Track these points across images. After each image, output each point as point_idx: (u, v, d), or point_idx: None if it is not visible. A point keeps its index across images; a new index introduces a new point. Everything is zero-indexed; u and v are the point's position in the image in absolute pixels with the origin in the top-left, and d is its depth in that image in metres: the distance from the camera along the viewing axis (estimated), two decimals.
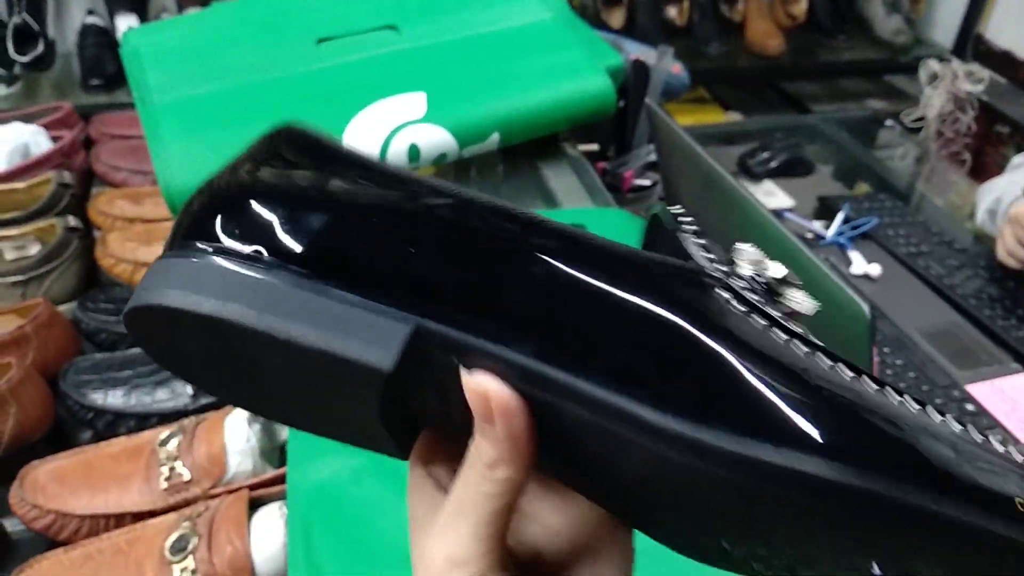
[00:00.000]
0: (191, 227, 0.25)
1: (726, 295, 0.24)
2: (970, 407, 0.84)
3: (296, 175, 0.26)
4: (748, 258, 0.26)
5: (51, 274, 0.82)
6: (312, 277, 0.23)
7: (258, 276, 0.23)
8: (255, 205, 0.24)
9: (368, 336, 0.23)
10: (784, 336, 0.24)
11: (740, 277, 0.26)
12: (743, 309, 0.24)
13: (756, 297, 0.25)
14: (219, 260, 0.23)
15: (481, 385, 0.23)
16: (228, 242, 0.24)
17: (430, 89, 0.78)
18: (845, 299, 0.60)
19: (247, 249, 0.24)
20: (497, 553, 0.26)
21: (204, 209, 0.25)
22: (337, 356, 0.23)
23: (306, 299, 0.23)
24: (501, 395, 0.23)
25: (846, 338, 0.61)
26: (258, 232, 0.24)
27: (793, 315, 0.26)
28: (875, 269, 1.01)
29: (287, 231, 0.24)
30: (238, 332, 0.23)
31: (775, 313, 0.25)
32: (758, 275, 0.26)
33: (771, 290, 0.26)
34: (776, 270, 0.26)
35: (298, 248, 0.24)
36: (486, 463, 0.24)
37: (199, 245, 0.24)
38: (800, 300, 0.26)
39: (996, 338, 0.93)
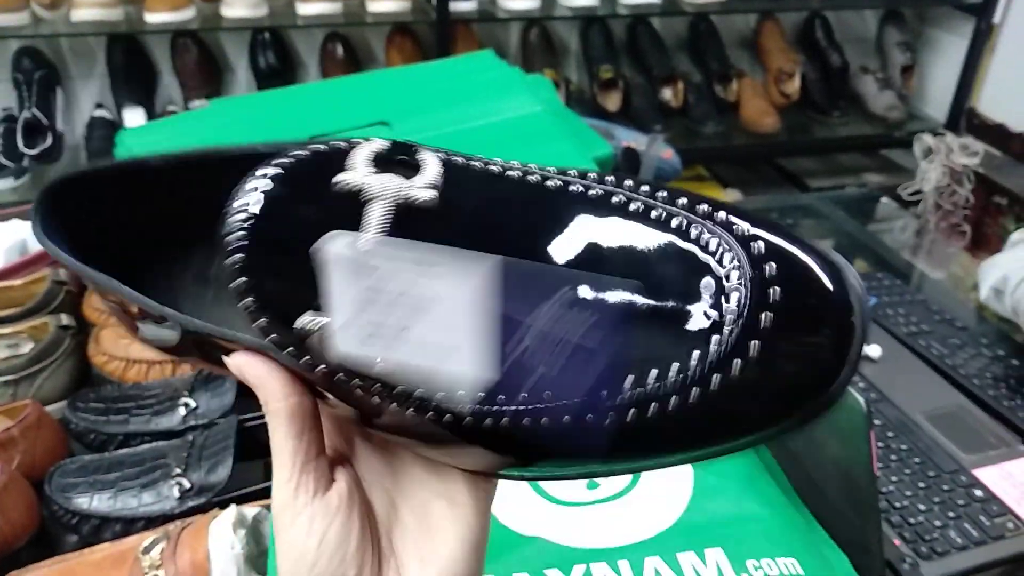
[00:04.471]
0: None
1: None
2: (979, 492, 0.81)
3: None
4: None
5: (42, 373, 0.82)
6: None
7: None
8: None
9: None
10: None
11: None
12: None
13: None
14: None
15: (232, 361, 0.31)
16: None
17: None
18: None
19: None
20: (310, 493, 0.30)
21: None
22: None
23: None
24: (235, 359, 0.31)
25: (844, 427, 0.60)
26: None
27: None
28: (875, 350, 1.00)
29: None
30: None
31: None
32: None
33: None
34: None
35: None
36: (265, 409, 0.31)
37: None
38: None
39: (1002, 419, 0.91)
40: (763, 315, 0.25)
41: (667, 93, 2.05)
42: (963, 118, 2.13)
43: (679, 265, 0.26)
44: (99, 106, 1.88)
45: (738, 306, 0.25)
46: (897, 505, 0.80)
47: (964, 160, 1.91)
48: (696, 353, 0.25)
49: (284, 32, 1.95)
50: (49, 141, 1.75)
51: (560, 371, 0.26)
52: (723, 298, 0.25)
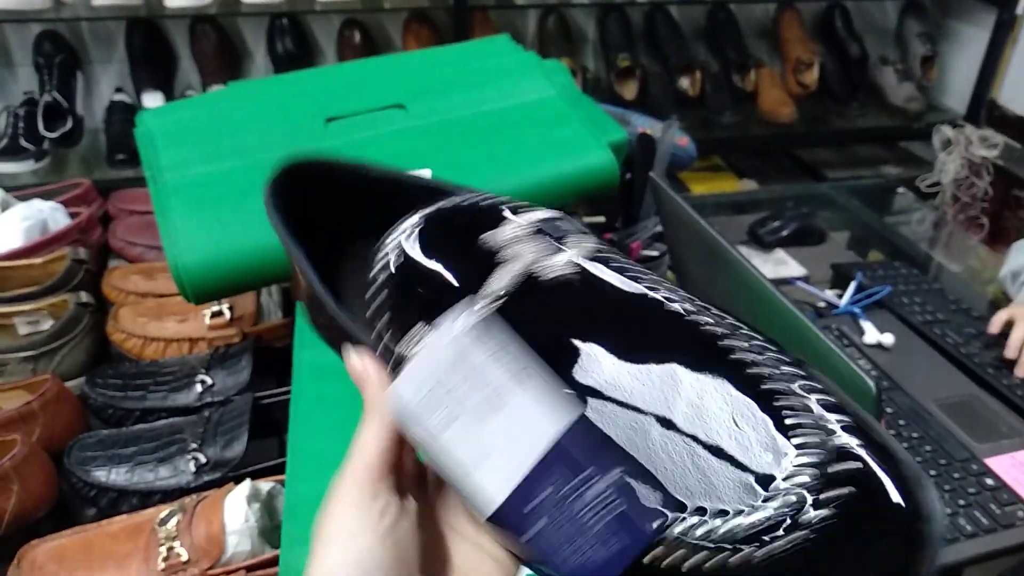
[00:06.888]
0: None
1: None
2: (990, 481, 0.81)
3: None
4: None
5: (62, 349, 0.83)
6: None
7: None
8: None
9: None
10: None
11: None
12: None
13: None
14: None
15: (352, 358, 0.34)
16: None
17: (436, 165, 0.80)
18: (851, 374, 0.59)
19: None
20: (390, 489, 0.32)
21: None
22: None
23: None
24: (361, 359, 0.34)
25: None
26: None
27: None
28: (888, 338, 0.99)
29: None
30: None
31: None
32: None
33: None
34: None
35: None
36: (370, 406, 0.33)
37: None
38: None
39: (1016, 409, 0.91)
40: (815, 512, 0.24)
41: (684, 82, 2.04)
42: (983, 110, 2.11)
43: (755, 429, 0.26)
44: (119, 90, 1.89)
45: (796, 494, 0.24)
46: None
47: (983, 152, 1.90)
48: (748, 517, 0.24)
49: (302, 18, 1.96)
50: (69, 124, 1.77)
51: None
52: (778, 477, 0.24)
